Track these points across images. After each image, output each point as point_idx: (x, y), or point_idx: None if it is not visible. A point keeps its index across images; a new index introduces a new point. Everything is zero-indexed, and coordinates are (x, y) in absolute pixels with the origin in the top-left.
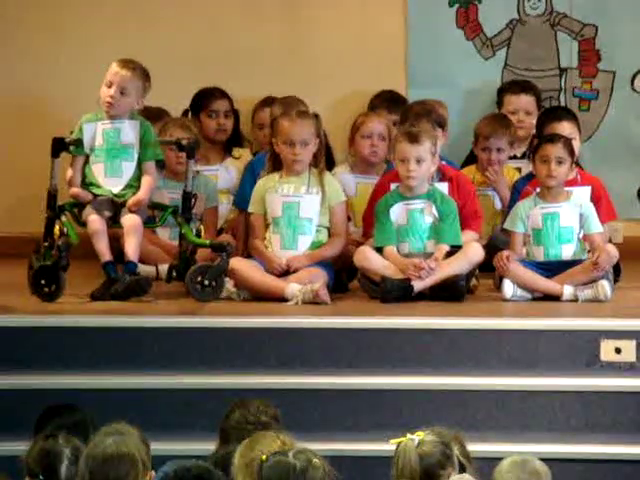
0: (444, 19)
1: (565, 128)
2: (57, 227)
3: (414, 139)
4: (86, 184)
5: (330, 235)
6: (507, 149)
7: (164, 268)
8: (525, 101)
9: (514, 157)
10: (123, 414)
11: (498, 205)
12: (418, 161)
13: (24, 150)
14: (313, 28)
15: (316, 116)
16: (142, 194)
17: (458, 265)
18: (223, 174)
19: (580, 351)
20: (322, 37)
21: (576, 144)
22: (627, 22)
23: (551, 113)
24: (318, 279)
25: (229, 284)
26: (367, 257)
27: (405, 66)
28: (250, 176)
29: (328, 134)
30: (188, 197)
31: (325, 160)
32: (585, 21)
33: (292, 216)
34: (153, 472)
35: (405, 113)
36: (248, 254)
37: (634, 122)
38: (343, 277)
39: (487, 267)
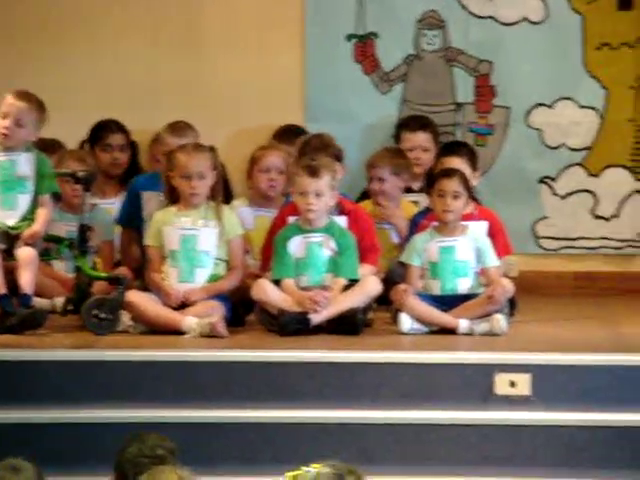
0: (341, 54)
1: (455, 163)
2: None
3: (314, 173)
4: None
5: (228, 268)
6: (391, 180)
7: (60, 301)
8: (422, 138)
9: (411, 191)
10: (19, 449)
11: (395, 239)
12: (317, 195)
13: None
14: (213, 61)
15: (212, 149)
16: (37, 226)
17: (355, 298)
18: (119, 207)
19: (475, 384)
20: (221, 70)
21: (470, 178)
22: (522, 59)
23: (446, 147)
24: (215, 312)
25: (125, 317)
26: (265, 290)
27: (303, 100)
28: (129, 197)
29: (227, 167)
30: (84, 230)
31: (223, 193)
32: (481, 57)
33: (190, 249)
34: None
35: (303, 147)
36: (145, 287)
37: (529, 157)
38: (241, 310)
39: (384, 300)
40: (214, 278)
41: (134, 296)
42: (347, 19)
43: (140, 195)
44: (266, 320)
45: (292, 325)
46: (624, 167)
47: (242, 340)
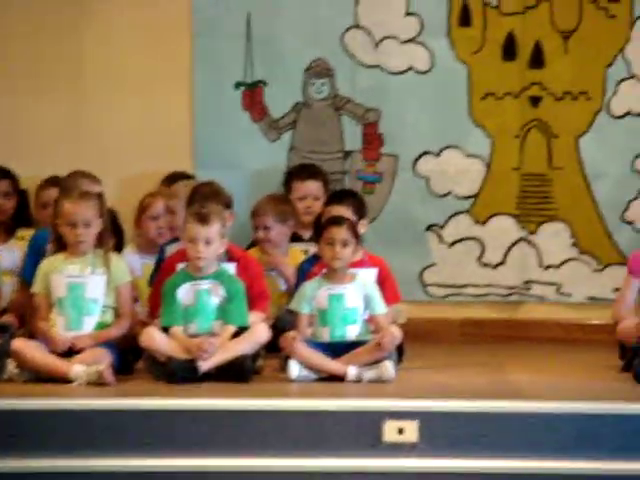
0: (230, 101)
1: (341, 211)
2: None
3: (204, 220)
4: None
5: (116, 315)
6: (276, 227)
7: None
8: (313, 187)
9: (301, 240)
10: None
11: (283, 286)
12: (207, 242)
13: None
14: (102, 108)
15: (100, 196)
16: None
17: (244, 345)
18: (6, 255)
19: (364, 431)
20: (111, 117)
21: (361, 226)
22: (409, 107)
23: (332, 196)
24: (103, 360)
25: (11, 365)
26: (153, 337)
27: (192, 147)
28: (32, 253)
29: (118, 214)
30: None
31: (116, 240)
32: (368, 105)
33: (77, 297)
34: None
35: (193, 194)
36: (31, 334)
37: (416, 205)
38: (129, 358)
39: (274, 347)
40: (102, 325)
41: (20, 344)
42: (235, 67)
43: (44, 249)
44: (154, 368)
45: (180, 373)
46: (510, 215)
47: (130, 388)
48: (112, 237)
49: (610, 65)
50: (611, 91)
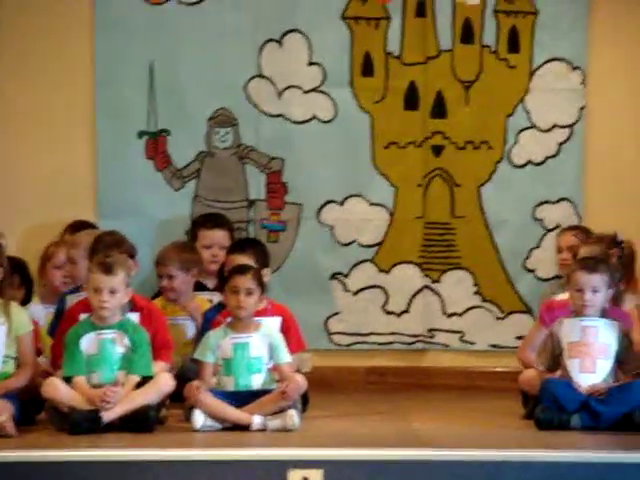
0: (133, 150)
1: (244, 260)
2: None
3: (108, 270)
4: None
5: (17, 365)
6: (180, 276)
7: None
8: (219, 235)
9: (206, 289)
10: None
11: (189, 334)
12: (112, 291)
13: None
14: (3, 157)
15: None
16: None
17: (148, 395)
18: None
19: None
20: (14, 167)
21: (264, 275)
22: (313, 156)
23: (235, 245)
24: (3, 411)
25: None
26: (55, 388)
27: (95, 196)
28: None
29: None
30: None
31: (25, 289)
32: (272, 154)
33: None
34: None
35: (95, 243)
36: None
37: (321, 253)
38: (31, 409)
39: (178, 397)
40: (3, 376)
41: None
42: (138, 116)
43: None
44: (57, 419)
45: (83, 423)
46: (413, 263)
47: (32, 440)
48: (21, 287)
49: (511, 115)
50: (512, 140)
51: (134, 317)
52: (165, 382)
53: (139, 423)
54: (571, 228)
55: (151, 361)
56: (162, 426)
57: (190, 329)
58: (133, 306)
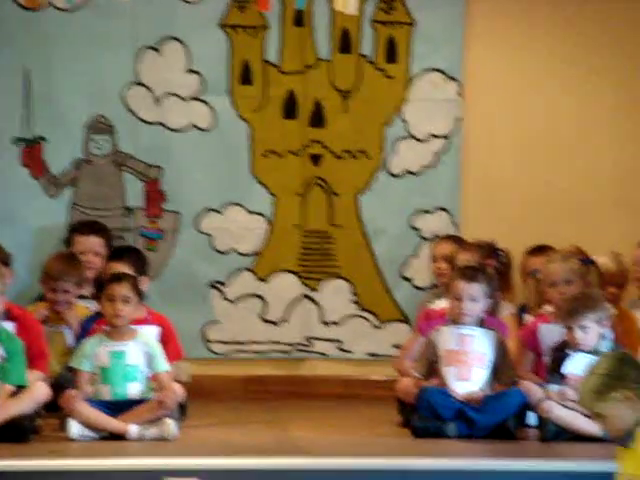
0: (8, 157)
1: (121, 268)
2: None
3: None
4: None
5: None
6: (75, 290)
7: None
8: (94, 242)
9: (83, 297)
10: None
11: (70, 342)
12: None
13: None
14: None
15: None
16: None
17: (23, 405)
18: None
19: None
20: None
21: (141, 283)
22: (191, 164)
23: (113, 253)
24: None
25: None
26: None
27: None
28: None
29: None
30: None
31: None
32: (150, 162)
33: None
34: None
35: None
36: None
37: (199, 262)
38: None
39: (54, 406)
40: None
41: None
42: (13, 122)
43: None
44: None
45: None
46: (292, 272)
47: None
48: None
49: (388, 124)
50: (389, 150)
51: (9, 326)
52: (40, 391)
53: (14, 433)
54: (446, 237)
55: (25, 370)
56: (37, 436)
57: (71, 337)
58: (8, 315)
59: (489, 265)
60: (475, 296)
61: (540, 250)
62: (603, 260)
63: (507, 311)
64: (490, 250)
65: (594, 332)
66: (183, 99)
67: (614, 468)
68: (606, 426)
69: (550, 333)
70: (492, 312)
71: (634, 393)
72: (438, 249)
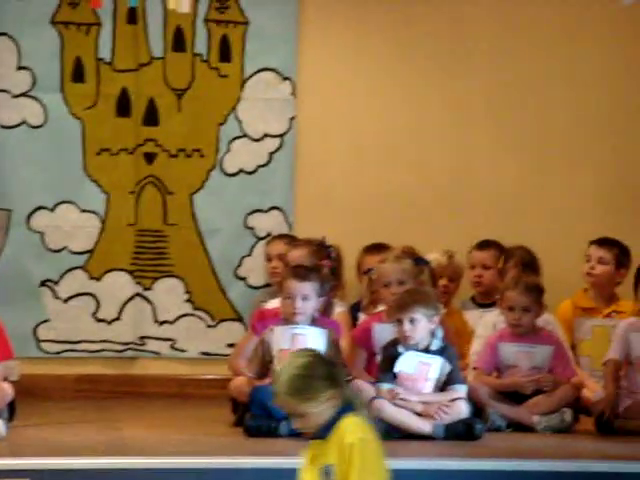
0: None
1: None
2: None
3: None
4: None
5: None
6: None
7: None
8: None
9: None
10: None
11: None
12: None
13: None
14: None
15: None
16: None
17: None
18: None
19: None
20: None
21: None
22: (23, 162)
23: None
24: None
25: None
26: None
27: None
28: None
29: None
30: None
31: None
32: None
33: None
34: None
35: None
36: None
37: (31, 260)
38: None
39: None
40: None
41: None
42: None
43: None
44: None
45: None
46: (125, 271)
47: None
48: None
49: (223, 123)
50: (224, 149)
51: None
52: None
53: None
54: (279, 237)
55: None
56: None
57: None
58: None
59: (322, 264)
60: (307, 295)
61: (376, 248)
62: (435, 255)
63: (339, 309)
64: (321, 246)
65: (423, 327)
66: (14, 96)
67: (446, 465)
68: (304, 423)
69: (384, 332)
70: (324, 310)
71: (335, 392)
72: (271, 248)
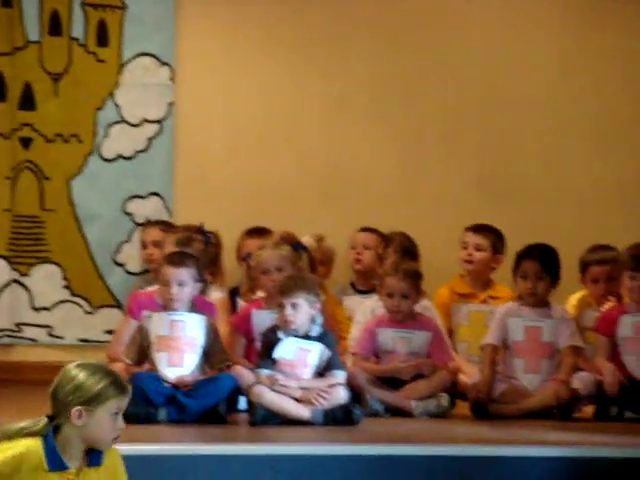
0: None
1: None
2: None
3: None
4: None
5: None
6: None
7: None
8: None
9: None
10: None
11: None
12: None
13: None
14: None
15: None
16: None
17: None
18: None
19: None
20: None
21: None
22: None
23: None
24: None
25: None
26: None
27: None
28: None
29: None
30: None
31: None
32: None
33: None
34: None
35: None
36: None
37: None
38: None
39: None
40: None
41: None
42: None
43: None
44: None
45: None
46: (1, 257)
47: None
48: None
49: (101, 108)
50: (102, 134)
51: None
52: None
53: None
54: (155, 223)
55: None
56: None
57: None
58: None
59: (199, 249)
60: (183, 281)
61: (256, 232)
62: (306, 239)
63: (218, 294)
64: (199, 232)
65: (305, 312)
66: None
67: (325, 451)
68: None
69: (262, 319)
70: (201, 295)
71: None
72: (146, 235)
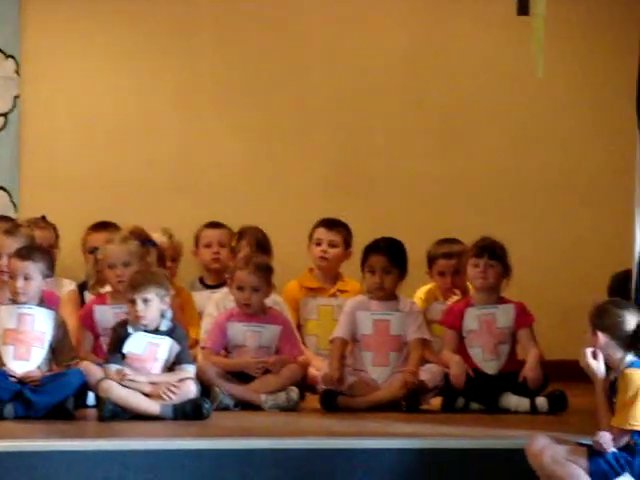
0: None
1: None
2: None
3: None
4: None
5: None
6: None
7: None
8: None
9: None
10: None
11: None
12: None
13: None
14: None
15: None
16: None
17: None
18: None
19: None
20: None
21: None
22: None
23: None
24: None
25: None
26: None
27: None
28: None
29: None
30: None
31: None
32: None
33: None
34: None
35: None
36: None
37: None
38: None
39: None
40: None
41: None
42: None
43: None
44: None
45: None
46: None
47: None
48: None
49: None
50: None
51: None
52: None
53: None
54: None
55: None
56: None
57: None
58: None
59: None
60: (29, 274)
61: (102, 226)
62: (156, 236)
63: (69, 287)
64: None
65: (155, 307)
66: None
67: (175, 445)
68: None
69: (105, 314)
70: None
71: None
72: None
